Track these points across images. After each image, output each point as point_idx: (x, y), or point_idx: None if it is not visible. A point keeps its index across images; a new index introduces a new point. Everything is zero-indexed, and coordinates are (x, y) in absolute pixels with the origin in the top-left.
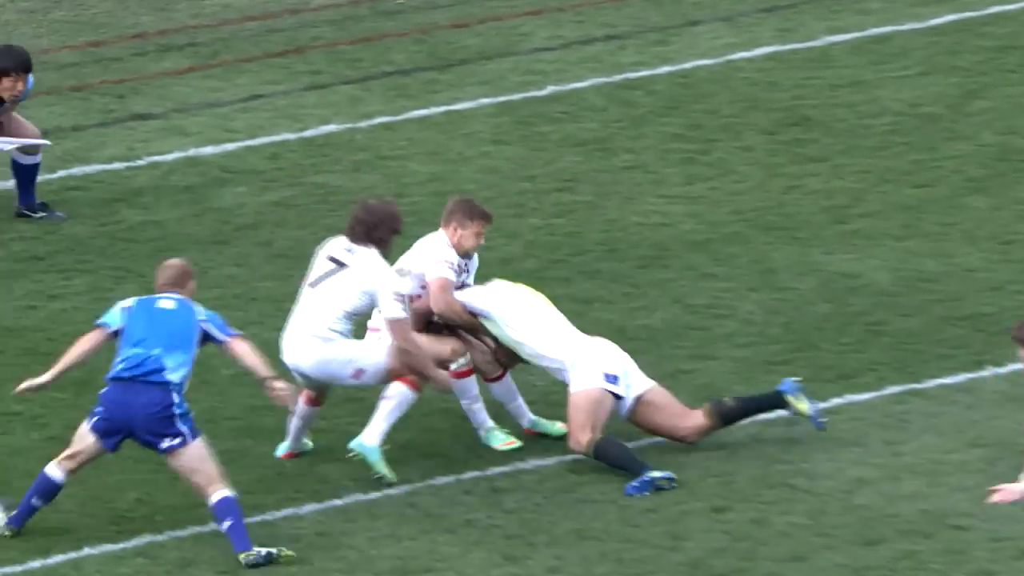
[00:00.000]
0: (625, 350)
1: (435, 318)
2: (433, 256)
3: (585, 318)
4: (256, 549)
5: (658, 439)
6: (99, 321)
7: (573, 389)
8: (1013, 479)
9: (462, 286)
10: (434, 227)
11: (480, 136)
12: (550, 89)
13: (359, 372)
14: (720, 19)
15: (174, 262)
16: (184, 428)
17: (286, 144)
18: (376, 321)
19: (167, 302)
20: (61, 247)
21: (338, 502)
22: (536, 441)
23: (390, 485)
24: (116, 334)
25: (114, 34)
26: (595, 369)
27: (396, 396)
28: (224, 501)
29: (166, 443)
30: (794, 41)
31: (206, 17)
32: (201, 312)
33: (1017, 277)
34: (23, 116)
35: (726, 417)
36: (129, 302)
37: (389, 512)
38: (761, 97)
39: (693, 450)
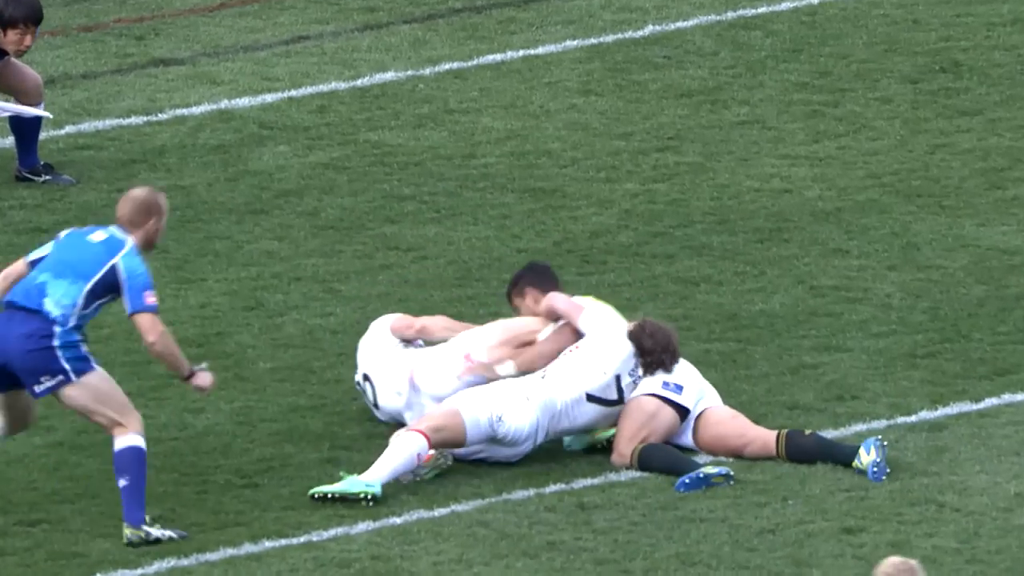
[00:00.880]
0: (739, 339)
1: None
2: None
3: (691, 301)
4: (146, 528)
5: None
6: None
7: (628, 397)
8: None
9: None
10: (511, 194)
11: (566, 85)
12: (649, 29)
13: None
14: None
15: (135, 193)
16: (65, 365)
17: (335, 95)
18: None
19: (98, 234)
20: (69, 216)
21: (396, 520)
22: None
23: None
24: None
25: None
26: (655, 378)
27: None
28: (128, 451)
29: (41, 386)
30: None
31: None
32: (132, 262)
33: None
34: (24, 61)
35: (796, 454)
36: (65, 232)
37: (457, 532)
38: (902, 38)
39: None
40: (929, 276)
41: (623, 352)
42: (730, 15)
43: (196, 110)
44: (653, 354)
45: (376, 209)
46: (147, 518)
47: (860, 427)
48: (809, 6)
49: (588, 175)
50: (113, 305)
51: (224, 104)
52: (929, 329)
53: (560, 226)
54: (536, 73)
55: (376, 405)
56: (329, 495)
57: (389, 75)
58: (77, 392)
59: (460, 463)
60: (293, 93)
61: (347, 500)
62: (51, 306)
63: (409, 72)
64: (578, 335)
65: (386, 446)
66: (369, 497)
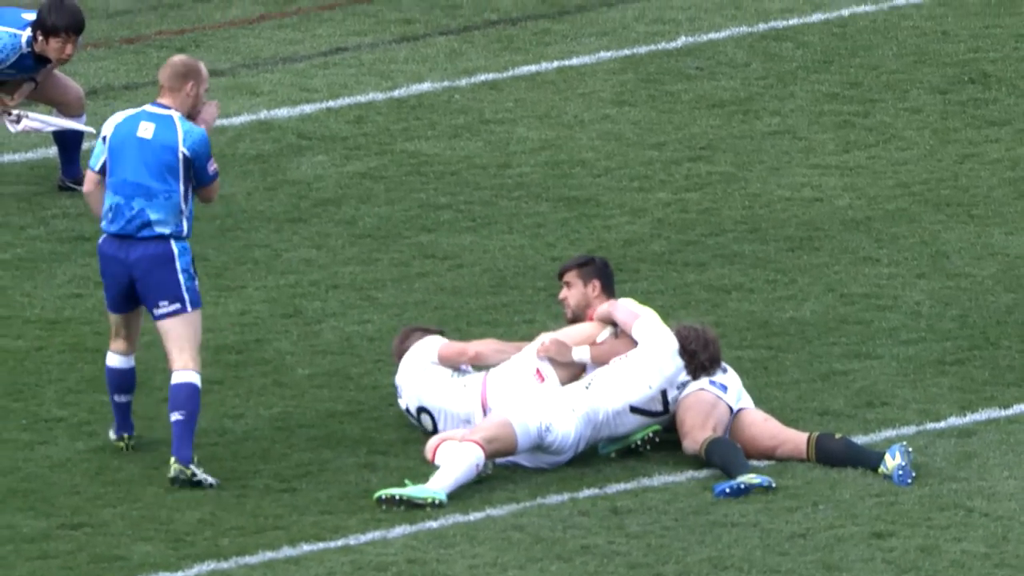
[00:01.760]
0: (770, 346)
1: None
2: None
3: (723, 309)
4: (193, 468)
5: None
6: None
7: (682, 396)
8: None
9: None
10: (545, 203)
11: (600, 96)
12: (682, 41)
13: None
14: None
15: (174, 59)
16: (185, 296)
17: (373, 105)
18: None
19: (147, 128)
20: None
21: (433, 524)
22: (666, 453)
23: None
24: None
25: None
26: (702, 378)
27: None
28: (189, 387)
29: (160, 309)
30: None
31: None
32: (194, 141)
33: None
34: (66, 73)
35: (826, 458)
36: (110, 129)
37: (492, 536)
38: (931, 50)
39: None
40: (958, 284)
41: (670, 368)
42: (761, 27)
43: (236, 120)
44: (701, 359)
45: (413, 218)
46: (195, 458)
47: (890, 433)
48: (839, 18)
49: (621, 184)
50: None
51: (263, 114)
52: (958, 336)
53: (594, 235)
54: (570, 84)
55: (438, 432)
56: (397, 497)
57: (425, 86)
58: (184, 322)
59: (495, 467)
60: (331, 104)
61: (413, 504)
62: (162, 227)
63: (445, 83)
64: (632, 343)
65: (421, 451)
66: (436, 503)
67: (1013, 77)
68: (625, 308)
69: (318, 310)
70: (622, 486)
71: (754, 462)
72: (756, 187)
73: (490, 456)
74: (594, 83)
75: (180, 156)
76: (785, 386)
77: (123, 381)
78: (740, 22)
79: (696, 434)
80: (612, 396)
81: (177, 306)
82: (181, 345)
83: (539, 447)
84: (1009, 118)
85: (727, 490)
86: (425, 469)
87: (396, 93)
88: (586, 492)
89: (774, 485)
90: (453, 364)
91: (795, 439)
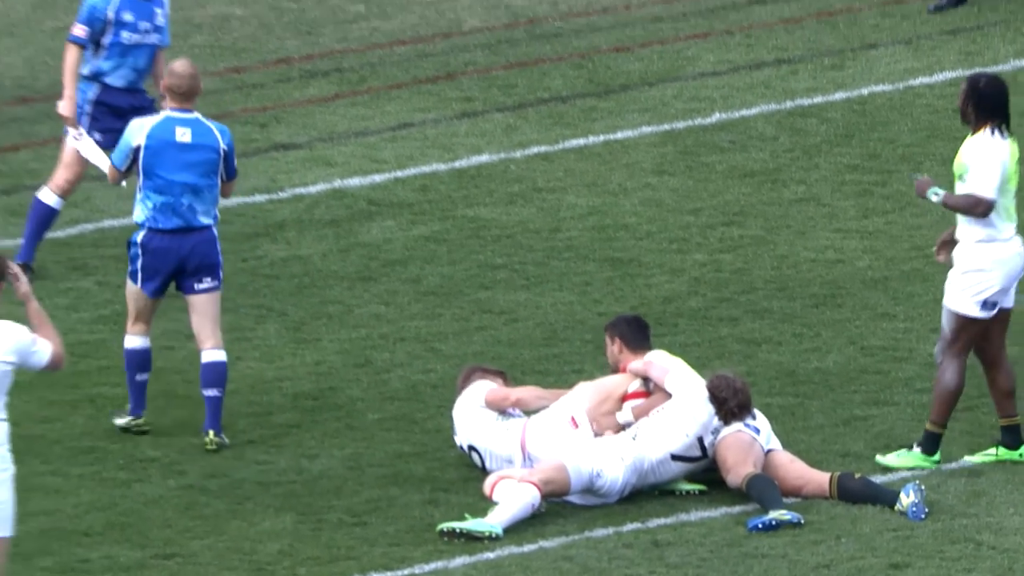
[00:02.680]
0: (796, 394)
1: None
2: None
3: (754, 360)
4: (223, 436)
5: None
6: None
7: (720, 438)
8: None
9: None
10: (592, 263)
11: (642, 167)
12: (716, 117)
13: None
14: (899, 42)
15: (189, 70)
16: (220, 273)
17: (436, 175)
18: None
19: (184, 134)
20: None
21: (490, 555)
22: (705, 492)
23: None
24: None
25: (257, 59)
26: (737, 423)
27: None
28: (221, 366)
29: (202, 284)
30: (979, 65)
31: (353, 42)
32: (228, 140)
33: None
34: None
35: (846, 496)
36: (142, 142)
37: (544, 566)
38: (943, 125)
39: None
40: None
41: (703, 415)
42: (788, 104)
43: (312, 189)
44: (731, 405)
45: (472, 277)
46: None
47: (905, 473)
48: (860, 96)
49: (661, 247)
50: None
51: (337, 183)
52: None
53: (636, 292)
54: (615, 155)
55: (485, 470)
56: (457, 530)
57: (484, 157)
58: (214, 299)
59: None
60: (399, 173)
61: (472, 537)
62: (206, 218)
63: (501, 155)
64: (667, 395)
65: (480, 489)
66: (492, 536)
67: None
68: (658, 364)
69: (386, 360)
70: (662, 521)
71: (794, 506)
72: (784, 249)
73: (545, 496)
74: (636, 155)
75: (221, 153)
76: (810, 430)
77: (144, 360)
78: (769, 100)
79: (739, 469)
80: (655, 446)
81: (216, 283)
82: (213, 323)
83: (589, 490)
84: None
85: (759, 525)
86: (483, 505)
87: (457, 164)
88: (629, 526)
89: (803, 521)
90: (499, 408)
91: (818, 479)
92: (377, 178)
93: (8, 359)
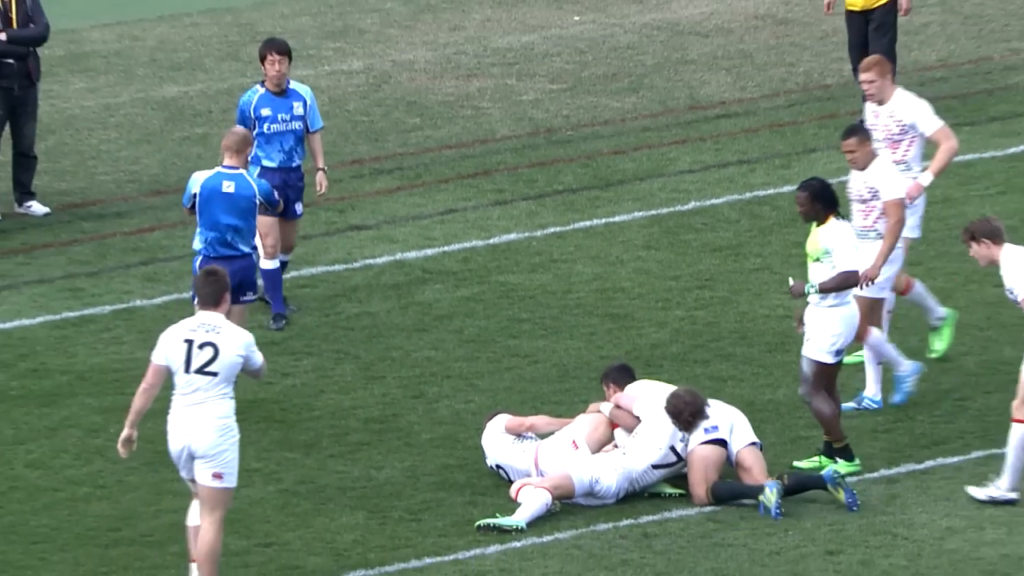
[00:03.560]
0: (754, 420)
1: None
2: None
3: (721, 393)
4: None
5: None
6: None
7: (688, 450)
8: None
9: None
10: (596, 318)
11: (634, 243)
12: (692, 204)
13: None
14: (833, 147)
15: (238, 130)
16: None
17: (475, 249)
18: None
19: (228, 185)
20: (292, 334)
21: (517, 544)
22: (683, 496)
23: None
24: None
25: (336, 160)
26: (698, 430)
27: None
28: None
29: (247, 297)
30: None
31: (411, 146)
32: (262, 188)
33: None
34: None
35: (788, 489)
36: (198, 193)
37: (558, 553)
38: None
39: (810, 503)
40: (887, 376)
41: (668, 430)
42: (748, 195)
43: (379, 260)
44: (685, 417)
45: (503, 328)
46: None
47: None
48: None
49: (650, 305)
50: (322, 398)
51: (398, 256)
52: (886, 412)
53: (630, 340)
54: (614, 234)
55: (510, 480)
56: (491, 525)
57: (512, 236)
58: (248, 308)
59: (562, 506)
60: (446, 248)
61: (502, 530)
62: (246, 247)
63: (526, 234)
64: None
65: (508, 494)
66: (518, 529)
67: (924, 231)
68: (626, 396)
69: (436, 393)
70: (650, 517)
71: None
72: (745, 307)
73: (556, 498)
74: (630, 234)
75: (256, 201)
76: (765, 448)
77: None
78: (733, 191)
79: (697, 491)
80: (638, 459)
81: (254, 296)
82: (240, 322)
83: (591, 494)
84: (921, 259)
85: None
86: (511, 506)
87: (491, 240)
88: (625, 522)
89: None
90: (516, 433)
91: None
92: (429, 252)
93: (241, 353)
